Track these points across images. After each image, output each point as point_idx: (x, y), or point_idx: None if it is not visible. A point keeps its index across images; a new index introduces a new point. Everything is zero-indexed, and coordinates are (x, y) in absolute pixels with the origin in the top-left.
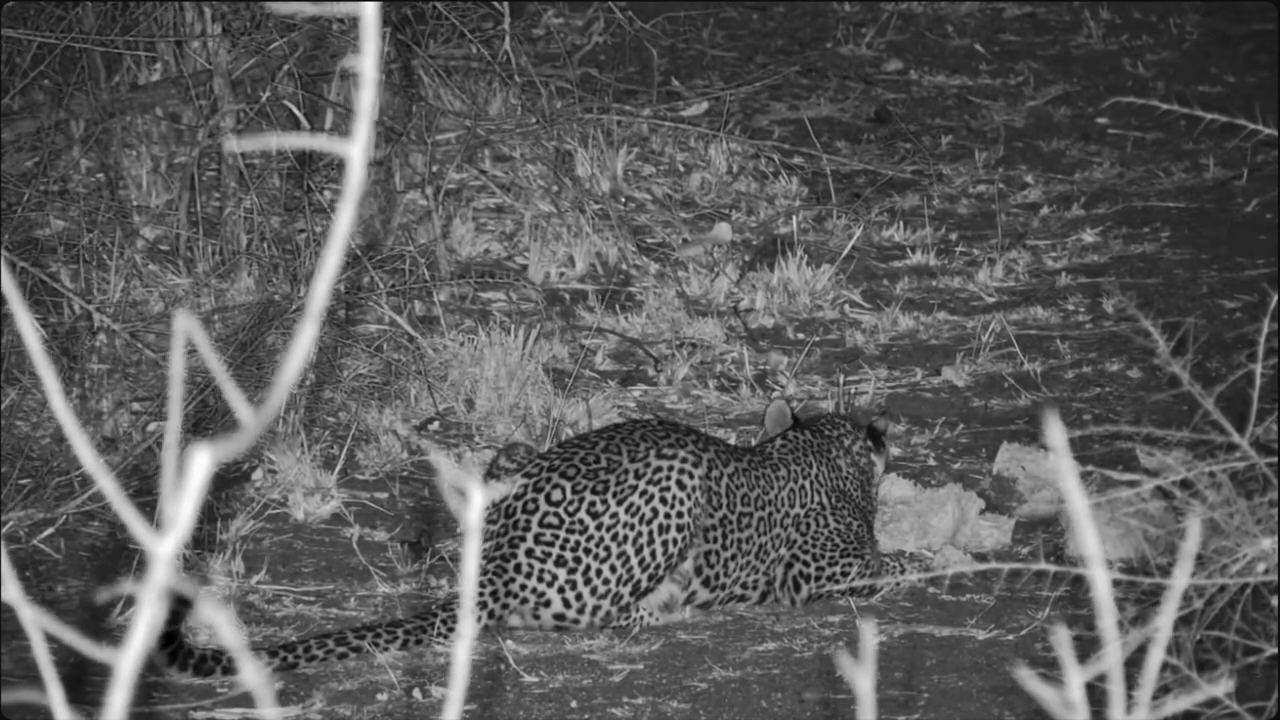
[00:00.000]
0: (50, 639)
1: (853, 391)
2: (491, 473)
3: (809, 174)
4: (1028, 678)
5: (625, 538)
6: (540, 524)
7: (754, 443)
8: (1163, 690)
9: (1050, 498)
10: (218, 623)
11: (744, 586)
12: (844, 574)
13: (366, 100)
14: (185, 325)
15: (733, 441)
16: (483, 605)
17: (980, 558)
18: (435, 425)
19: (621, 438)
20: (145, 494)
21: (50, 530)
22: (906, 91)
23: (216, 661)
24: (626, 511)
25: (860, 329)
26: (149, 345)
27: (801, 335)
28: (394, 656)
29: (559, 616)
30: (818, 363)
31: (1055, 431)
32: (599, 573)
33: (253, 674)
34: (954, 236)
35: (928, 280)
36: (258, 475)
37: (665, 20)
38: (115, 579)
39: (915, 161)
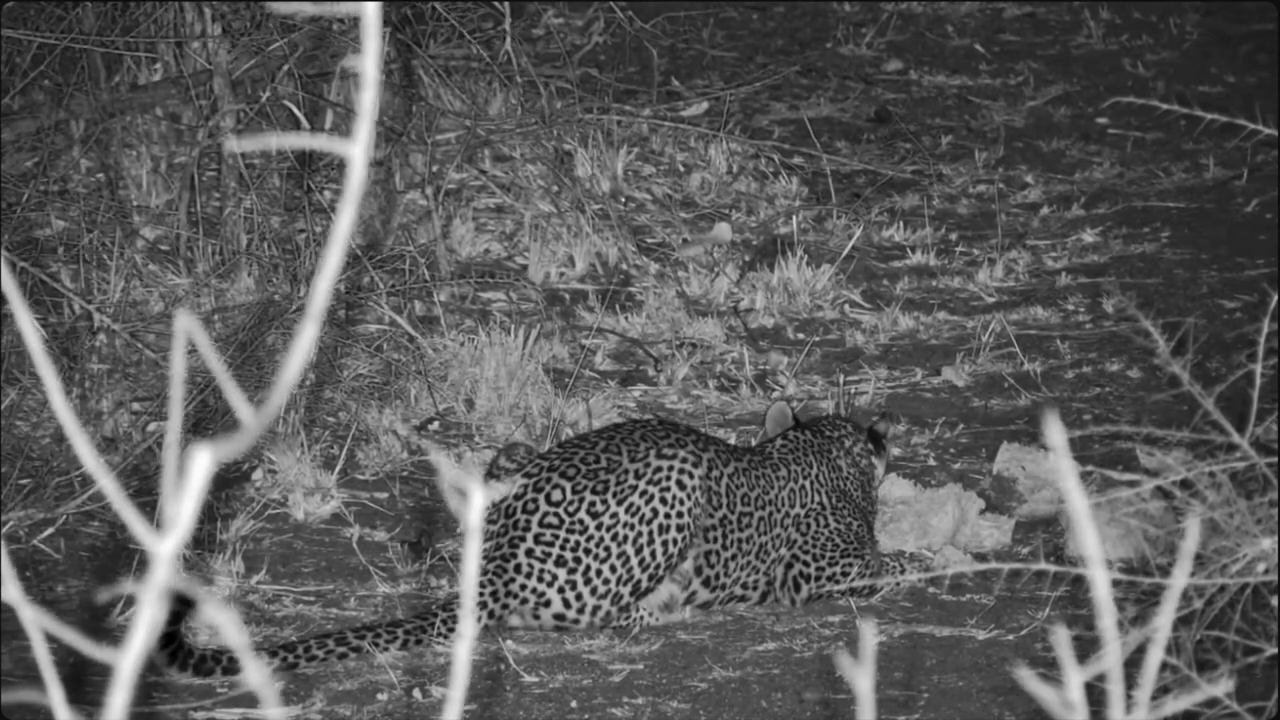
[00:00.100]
0: (50, 639)
1: (853, 391)
2: (491, 473)
3: (809, 174)
4: (1028, 678)
5: (625, 538)
6: (540, 524)
7: (754, 443)
8: (1163, 690)
9: (1050, 498)
10: (223, 624)
11: (744, 586)
12: (844, 574)
13: (367, 100)
14: (185, 325)
15: (733, 441)
16: (483, 605)
17: (980, 558)
18: (435, 425)
19: (621, 438)
20: (145, 494)
21: (50, 530)
22: (906, 91)
23: (216, 661)
24: (626, 511)
25: (860, 329)
26: (149, 345)
27: (801, 335)
28: (394, 656)
29: (559, 616)
30: (818, 363)
31: (1055, 431)
32: (599, 573)
33: (257, 675)
34: (954, 236)
35: (928, 280)
36: (258, 475)
37: (665, 20)
38: (115, 579)
39: (915, 161)
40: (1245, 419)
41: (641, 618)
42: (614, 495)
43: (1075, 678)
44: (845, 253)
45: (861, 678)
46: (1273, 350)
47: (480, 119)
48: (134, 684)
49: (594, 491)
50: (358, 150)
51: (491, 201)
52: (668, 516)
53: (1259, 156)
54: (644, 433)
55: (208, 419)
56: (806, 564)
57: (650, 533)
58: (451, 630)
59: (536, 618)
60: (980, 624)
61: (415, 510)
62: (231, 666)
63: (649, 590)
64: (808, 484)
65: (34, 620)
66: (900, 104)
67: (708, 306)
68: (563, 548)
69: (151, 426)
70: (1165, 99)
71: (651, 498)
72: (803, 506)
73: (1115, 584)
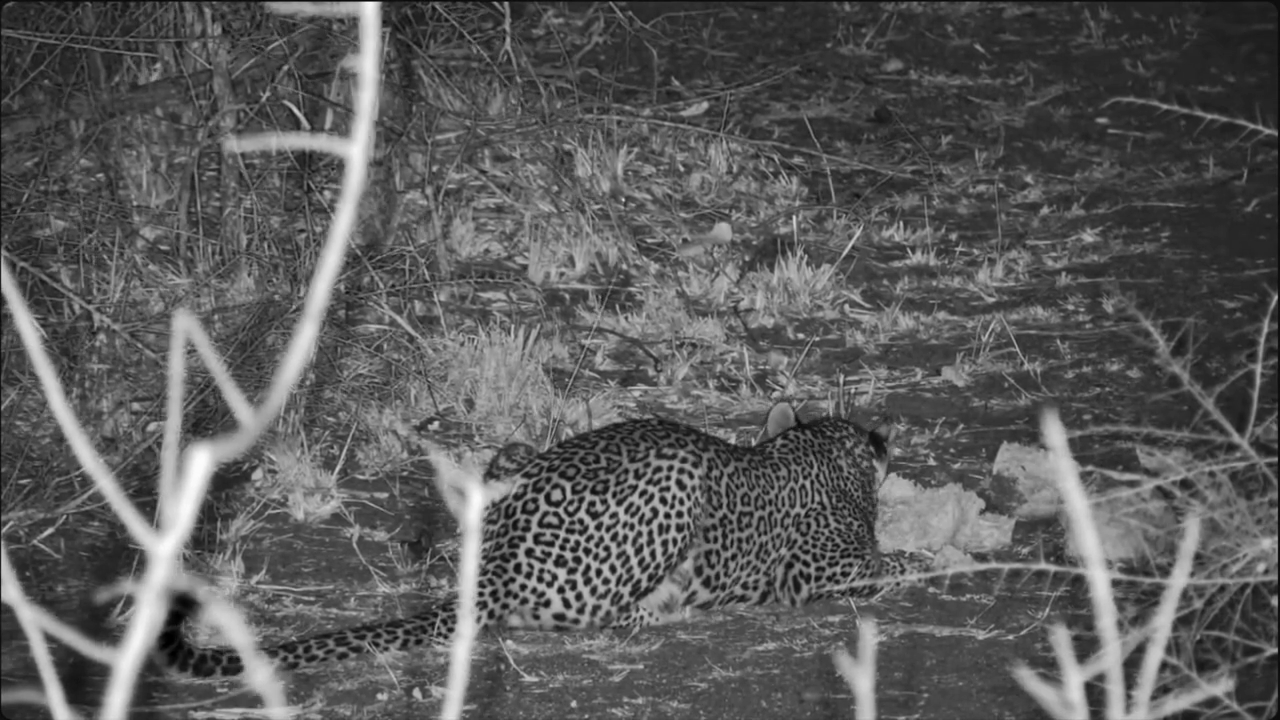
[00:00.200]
0: (50, 639)
1: (853, 391)
2: (491, 473)
3: (809, 174)
4: (1028, 678)
5: (625, 538)
6: (540, 524)
7: (754, 443)
8: (1162, 690)
9: (1050, 498)
10: (228, 624)
11: (744, 586)
12: (844, 574)
13: (366, 100)
14: (185, 325)
15: (733, 441)
16: (483, 605)
17: (980, 558)
18: (435, 425)
19: (621, 438)
20: (145, 494)
21: (50, 530)
22: (906, 91)
23: (216, 661)
24: (626, 511)
25: (860, 329)
26: (149, 345)
27: (801, 335)
28: (394, 656)
29: (559, 616)
30: (818, 363)
31: (1055, 431)
32: (599, 573)
33: (261, 675)
34: (954, 236)
35: (928, 280)
36: (258, 475)
37: (665, 20)
38: (115, 579)
39: (915, 161)
40: (1245, 419)
41: (641, 618)
42: (614, 495)
43: (1075, 678)
44: (845, 253)
45: (861, 678)
46: (1273, 350)
47: (480, 119)
48: (133, 684)
49: (594, 491)
50: (357, 150)
51: (491, 201)
52: (668, 516)
53: (1259, 156)
54: (644, 433)
55: (208, 419)
56: (807, 564)
57: (650, 533)
58: (451, 630)
59: (536, 618)
60: (980, 624)
61: (415, 510)
62: (231, 666)
63: (649, 590)
64: (808, 484)
65: (34, 620)
66: (900, 104)
67: (708, 306)
68: (563, 548)
69: (151, 426)
70: (1165, 99)
71: (651, 498)
72: (803, 506)
73: (1115, 584)
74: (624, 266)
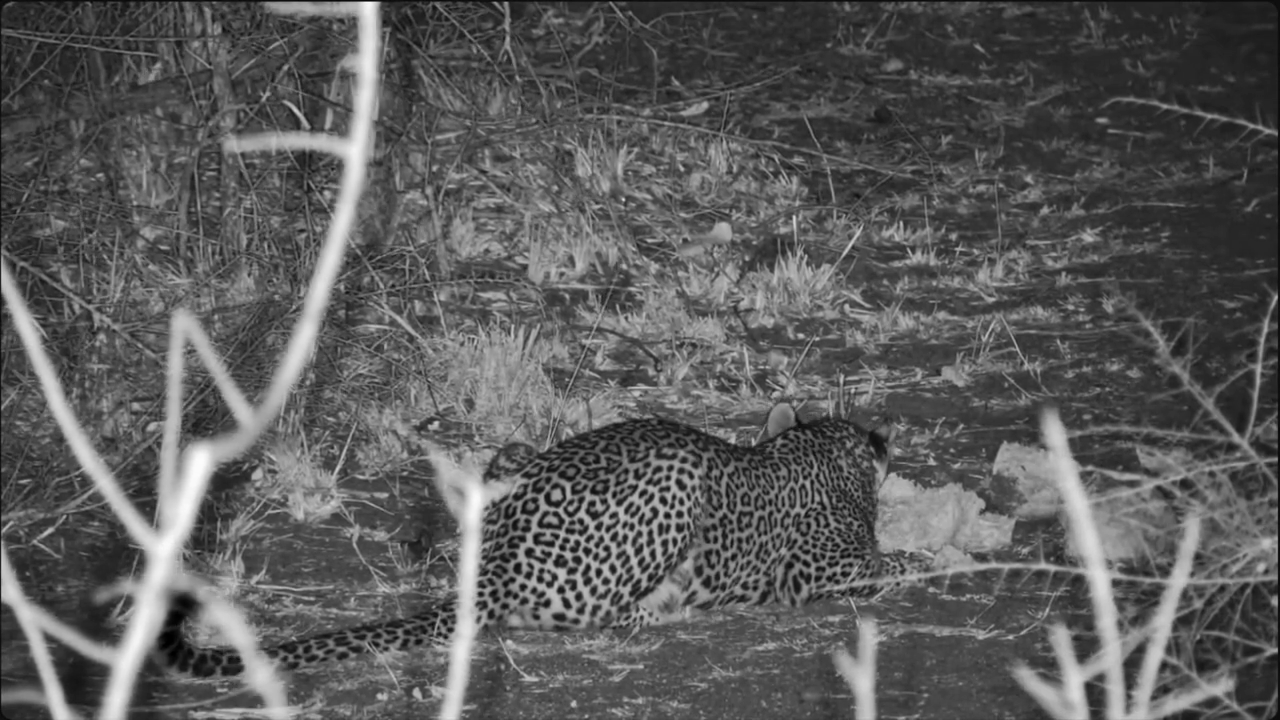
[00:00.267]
0: (50, 639)
1: (853, 391)
2: (491, 473)
3: (809, 174)
4: (1028, 678)
5: (625, 538)
6: (540, 524)
7: (754, 443)
8: (1162, 690)
9: (1050, 498)
10: (228, 624)
11: (744, 586)
12: (844, 574)
13: (366, 100)
14: (185, 325)
15: (733, 441)
16: (483, 605)
17: (980, 558)
18: (435, 425)
19: (621, 438)
20: (145, 494)
21: (50, 530)
22: (906, 91)
23: (216, 661)
24: (626, 511)
25: (860, 329)
26: (149, 345)
27: (801, 335)
28: (394, 656)
29: (559, 616)
30: (818, 363)
31: (1055, 431)
32: (599, 573)
33: (261, 675)
34: (954, 236)
35: (928, 280)
36: (258, 475)
37: (665, 20)
38: (115, 579)
39: (915, 161)
40: (1245, 419)
41: (641, 618)
42: (614, 495)
43: (1075, 678)
44: (845, 253)
45: (861, 678)
46: (1273, 350)
47: (480, 119)
48: (133, 684)
49: (594, 491)
50: (357, 150)
51: (491, 201)
52: (667, 516)
53: (1259, 156)
54: (644, 433)
55: (208, 419)
56: (807, 564)
57: (650, 533)
58: (451, 630)
59: (536, 618)
60: (980, 624)
61: (415, 510)
62: (231, 666)
63: (649, 590)
64: (808, 484)
65: (33, 620)
66: (900, 104)
67: (708, 306)
68: (563, 548)
69: (151, 426)
70: (1165, 99)
71: (651, 497)
72: (803, 506)
73: (1115, 584)
74: (624, 266)
